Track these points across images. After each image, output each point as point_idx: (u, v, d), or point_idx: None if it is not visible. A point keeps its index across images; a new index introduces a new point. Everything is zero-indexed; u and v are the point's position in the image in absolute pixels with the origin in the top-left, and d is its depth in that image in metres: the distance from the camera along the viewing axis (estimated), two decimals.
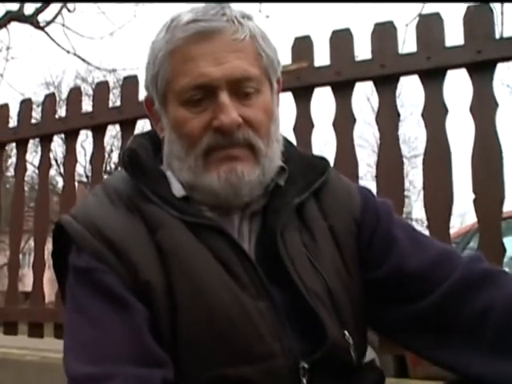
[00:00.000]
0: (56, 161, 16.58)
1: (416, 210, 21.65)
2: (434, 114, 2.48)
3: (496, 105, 2.38)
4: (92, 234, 1.02)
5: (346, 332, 1.05)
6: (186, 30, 1.04)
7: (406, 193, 2.72)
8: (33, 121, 3.60)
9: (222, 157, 1.05)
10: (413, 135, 20.23)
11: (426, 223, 2.51)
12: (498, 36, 2.47)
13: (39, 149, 3.55)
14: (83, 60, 14.14)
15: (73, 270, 1.05)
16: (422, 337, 1.09)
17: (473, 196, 2.38)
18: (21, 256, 3.61)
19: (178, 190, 1.09)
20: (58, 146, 13.77)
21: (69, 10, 12.82)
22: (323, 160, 1.22)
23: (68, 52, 13.32)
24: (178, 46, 1.05)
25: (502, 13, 6.57)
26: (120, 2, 11.19)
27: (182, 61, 1.05)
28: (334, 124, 2.66)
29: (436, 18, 2.53)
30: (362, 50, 2.80)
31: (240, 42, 1.05)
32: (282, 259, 1.04)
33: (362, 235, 1.14)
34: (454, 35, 2.47)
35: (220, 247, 1.02)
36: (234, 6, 1.09)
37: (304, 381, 0.98)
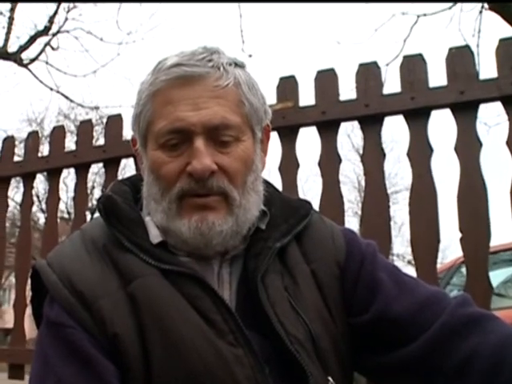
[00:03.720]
0: (38, 197, 16.41)
1: (397, 246, 21.70)
2: (419, 153, 2.50)
3: (480, 144, 2.41)
4: (64, 284, 1.00)
5: (330, 378, 1.03)
6: (168, 74, 1.04)
7: None
8: (16, 158, 3.57)
9: (195, 205, 1.03)
10: (393, 171, 20.33)
11: (406, 258, 2.50)
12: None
13: (21, 185, 3.52)
14: (66, 97, 14.21)
15: (45, 320, 1.03)
16: (407, 383, 1.07)
17: (459, 234, 2.38)
18: (1, 292, 3.54)
19: (155, 236, 1.07)
20: (39, 182, 13.65)
21: (52, 48, 12.91)
22: (306, 203, 1.21)
23: (51, 89, 13.38)
24: (160, 88, 1.05)
25: (477, 54, 6.77)
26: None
27: (162, 104, 1.05)
28: (320, 163, 2.67)
29: (419, 59, 2.57)
30: (347, 90, 2.83)
31: (222, 88, 1.04)
32: (262, 304, 1.02)
33: (346, 279, 1.13)
34: (436, 76, 2.51)
35: (197, 295, 1.00)
36: (228, 51, 1.08)
37: None
